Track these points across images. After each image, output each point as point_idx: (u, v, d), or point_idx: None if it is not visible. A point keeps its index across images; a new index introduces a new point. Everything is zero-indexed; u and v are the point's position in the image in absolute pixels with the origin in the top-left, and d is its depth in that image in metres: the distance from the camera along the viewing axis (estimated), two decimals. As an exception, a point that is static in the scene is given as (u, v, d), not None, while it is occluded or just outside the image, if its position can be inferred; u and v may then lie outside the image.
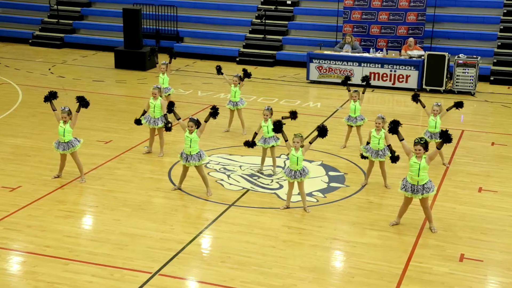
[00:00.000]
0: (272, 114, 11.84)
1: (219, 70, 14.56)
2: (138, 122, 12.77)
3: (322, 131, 10.09)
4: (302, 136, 10.29)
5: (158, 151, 12.83)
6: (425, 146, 9.50)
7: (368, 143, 11.36)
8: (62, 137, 11.18)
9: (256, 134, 11.76)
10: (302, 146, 10.24)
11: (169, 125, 11.63)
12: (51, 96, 11.39)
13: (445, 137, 9.40)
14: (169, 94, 15.11)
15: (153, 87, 12.78)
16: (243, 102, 14.22)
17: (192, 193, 11.10)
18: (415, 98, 12.32)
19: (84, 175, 11.55)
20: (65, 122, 11.17)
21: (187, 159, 10.77)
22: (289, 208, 10.55)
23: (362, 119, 13.16)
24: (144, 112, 12.70)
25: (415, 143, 9.49)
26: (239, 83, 14.05)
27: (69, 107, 11.36)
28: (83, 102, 11.41)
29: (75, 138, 11.33)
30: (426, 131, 12.37)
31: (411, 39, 19.11)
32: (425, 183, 9.53)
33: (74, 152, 11.31)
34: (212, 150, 13.14)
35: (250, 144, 11.53)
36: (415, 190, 9.54)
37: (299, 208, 10.53)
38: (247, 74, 14.02)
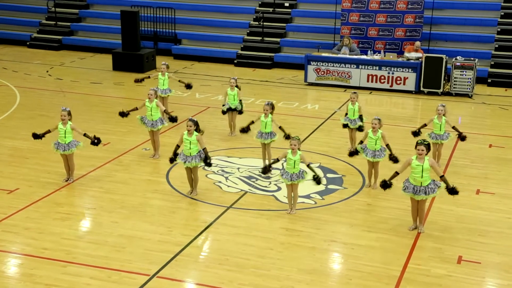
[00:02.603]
0: (273, 109, 11.88)
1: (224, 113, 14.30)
2: (122, 114, 12.92)
3: (317, 180, 10.30)
4: (299, 139, 10.30)
5: (160, 153, 12.80)
6: (428, 147, 9.56)
7: (361, 142, 11.41)
8: (63, 138, 11.20)
9: (253, 122, 12.10)
10: (299, 149, 10.24)
11: (175, 116, 12.43)
12: (37, 137, 11.58)
13: (452, 193, 9.69)
14: (167, 95, 15.11)
15: (150, 89, 12.80)
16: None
17: (190, 195, 11.09)
18: (416, 134, 12.29)
19: (73, 176, 11.53)
20: (64, 122, 11.19)
21: (187, 160, 10.76)
22: (292, 211, 10.55)
23: (360, 121, 13.14)
24: (135, 109, 12.72)
25: (418, 144, 9.52)
26: (236, 86, 14.08)
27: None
28: (95, 141, 11.53)
29: (75, 140, 11.36)
30: (431, 133, 12.38)
31: (418, 42, 19.11)
32: (428, 184, 9.55)
33: (71, 153, 11.32)
34: (210, 152, 13.12)
35: (245, 130, 12.04)
36: (417, 191, 9.56)
37: (297, 210, 10.52)
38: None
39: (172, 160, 11.03)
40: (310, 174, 10.52)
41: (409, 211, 10.08)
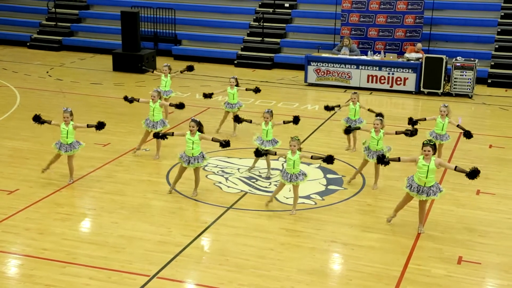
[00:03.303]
0: (272, 116, 11.86)
1: (206, 96, 14.40)
2: (128, 99, 12.89)
3: (329, 159, 10.16)
4: (299, 139, 10.29)
5: (166, 155, 12.79)
6: (434, 147, 9.50)
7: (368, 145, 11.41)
8: (65, 139, 11.22)
9: (251, 121, 12.15)
10: (299, 150, 10.24)
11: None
12: (37, 120, 11.51)
13: (473, 176, 9.58)
14: (169, 97, 15.13)
15: (153, 90, 12.81)
16: (241, 104, 14.28)
17: (190, 196, 11.09)
18: (412, 123, 12.27)
19: (72, 177, 11.55)
20: (67, 123, 11.20)
21: (190, 161, 10.77)
22: (270, 202, 10.64)
23: (361, 122, 13.16)
24: (138, 100, 12.83)
25: (424, 144, 9.48)
26: (236, 85, 14.11)
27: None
28: (100, 126, 11.56)
29: (77, 141, 11.38)
30: (432, 131, 12.39)
31: (419, 44, 19.14)
32: (432, 185, 9.54)
33: (72, 154, 11.34)
34: (210, 153, 13.12)
35: (239, 120, 12.08)
36: (421, 191, 9.55)
37: (297, 211, 10.50)
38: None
39: (157, 134, 11.20)
40: (309, 175, 10.54)
41: (409, 211, 10.10)
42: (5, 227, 9.84)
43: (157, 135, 11.19)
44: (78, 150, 11.37)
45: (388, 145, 11.41)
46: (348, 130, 11.95)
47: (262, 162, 12.24)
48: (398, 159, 9.89)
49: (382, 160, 9.90)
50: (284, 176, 10.29)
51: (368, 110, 13.12)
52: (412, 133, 11.34)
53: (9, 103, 16.78)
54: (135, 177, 11.93)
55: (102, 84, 19.23)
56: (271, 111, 11.88)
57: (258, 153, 10.72)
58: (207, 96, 14.26)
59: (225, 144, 10.81)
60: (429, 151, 9.43)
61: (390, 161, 9.94)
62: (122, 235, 9.63)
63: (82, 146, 11.46)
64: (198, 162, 10.78)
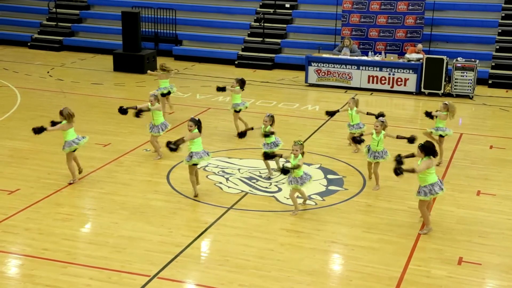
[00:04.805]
0: (273, 121, 11.82)
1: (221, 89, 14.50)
2: (123, 111, 12.66)
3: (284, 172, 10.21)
4: (302, 143, 10.26)
5: (167, 154, 12.78)
6: (421, 149, 9.69)
7: (361, 134, 11.46)
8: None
9: (252, 128, 12.11)
10: (302, 154, 10.21)
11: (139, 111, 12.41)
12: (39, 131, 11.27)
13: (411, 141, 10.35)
14: (169, 92, 15.24)
15: (150, 95, 12.80)
16: (244, 103, 14.31)
17: (191, 196, 11.09)
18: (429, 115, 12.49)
19: (74, 177, 11.59)
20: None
21: (189, 159, 10.82)
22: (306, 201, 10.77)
23: (359, 128, 13.06)
24: (135, 107, 12.59)
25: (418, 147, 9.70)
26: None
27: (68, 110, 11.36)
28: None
29: (77, 137, 11.48)
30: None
31: (420, 45, 19.15)
32: (423, 186, 9.66)
33: (69, 153, 11.36)
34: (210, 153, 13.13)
35: (242, 135, 11.87)
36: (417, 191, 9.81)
37: (297, 211, 10.51)
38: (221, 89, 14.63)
39: (172, 147, 10.71)
40: (314, 177, 10.56)
41: (408, 212, 10.15)
42: (5, 227, 9.84)
43: (171, 148, 10.73)
44: (77, 147, 11.36)
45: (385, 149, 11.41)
46: (356, 140, 11.79)
47: (261, 162, 12.22)
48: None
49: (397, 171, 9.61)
50: (288, 181, 10.29)
51: (367, 114, 13.05)
52: (410, 141, 11.22)
53: (9, 103, 16.78)
54: (136, 177, 11.93)
55: (103, 84, 19.23)
56: (272, 116, 11.83)
57: (267, 156, 10.67)
58: (221, 89, 14.42)
59: (172, 147, 10.63)
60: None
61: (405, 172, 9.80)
62: (123, 235, 9.63)
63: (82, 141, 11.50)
64: (198, 157, 10.82)
